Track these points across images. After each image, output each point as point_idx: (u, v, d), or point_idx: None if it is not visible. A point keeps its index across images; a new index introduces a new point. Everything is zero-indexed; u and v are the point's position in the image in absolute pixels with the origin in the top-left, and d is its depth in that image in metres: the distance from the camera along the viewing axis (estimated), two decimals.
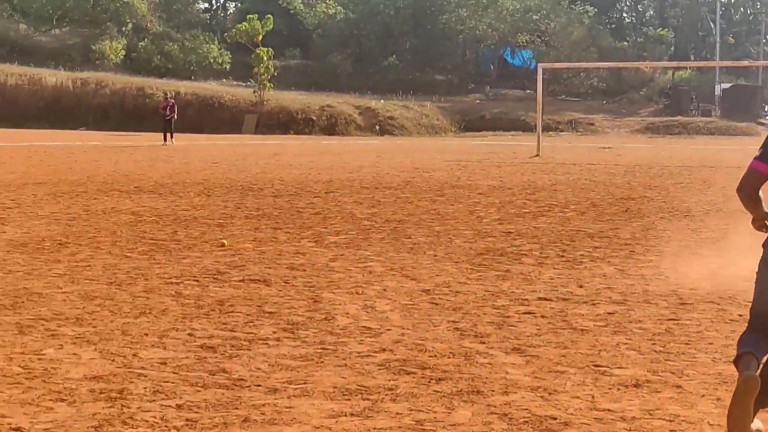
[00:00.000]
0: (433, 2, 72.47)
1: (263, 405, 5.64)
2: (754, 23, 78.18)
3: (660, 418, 5.55)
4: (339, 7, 75.01)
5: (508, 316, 8.24)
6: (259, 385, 6.04)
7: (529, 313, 8.41)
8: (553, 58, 62.10)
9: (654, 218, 15.63)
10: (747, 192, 5.38)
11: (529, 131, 47.78)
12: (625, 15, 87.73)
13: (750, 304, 5.83)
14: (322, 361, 6.65)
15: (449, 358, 6.82)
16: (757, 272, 5.59)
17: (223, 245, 12.22)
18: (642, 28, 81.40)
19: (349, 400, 5.77)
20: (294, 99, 62.97)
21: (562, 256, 11.67)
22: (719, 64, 62.36)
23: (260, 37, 62.46)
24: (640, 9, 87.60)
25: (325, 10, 74.90)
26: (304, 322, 7.88)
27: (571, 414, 5.59)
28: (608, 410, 5.67)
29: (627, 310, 8.56)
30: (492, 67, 75.37)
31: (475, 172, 25.97)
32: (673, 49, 76.92)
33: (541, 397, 5.91)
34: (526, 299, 9.02)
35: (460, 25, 70.38)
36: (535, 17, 69.76)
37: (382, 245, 12.48)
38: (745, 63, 62.72)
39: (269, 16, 63.03)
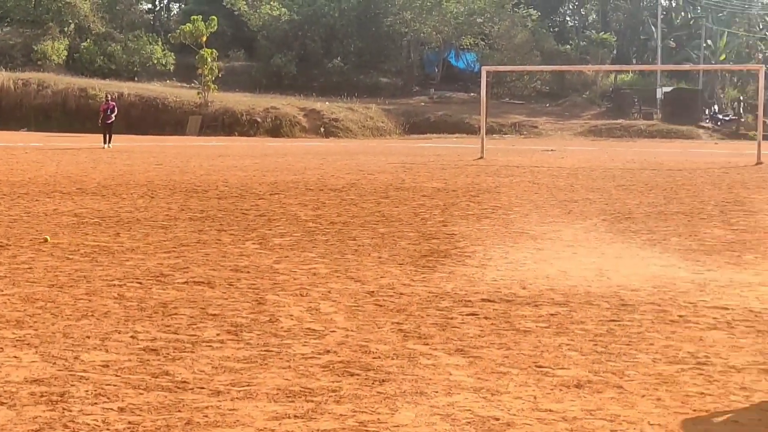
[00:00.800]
0: (377, 5, 72.54)
1: (206, 408, 5.62)
2: (694, 27, 79.07)
3: (601, 418, 5.61)
4: (283, 9, 74.74)
5: (451, 318, 8.28)
6: (202, 388, 6.02)
7: (473, 314, 8.45)
8: (497, 61, 62.40)
9: (596, 220, 15.76)
10: None
11: (473, 134, 48.03)
12: (568, 19, 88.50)
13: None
14: (265, 363, 6.64)
15: (393, 359, 6.84)
16: None
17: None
18: (585, 31, 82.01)
19: (292, 402, 5.77)
20: (238, 100, 62.68)
21: (506, 258, 11.74)
22: (661, 67, 63.09)
23: (204, 38, 62.08)
24: (583, 13, 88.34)
25: (269, 11, 74.60)
26: (248, 324, 7.86)
27: (514, 414, 5.63)
28: (550, 410, 5.72)
29: (569, 312, 8.63)
30: (436, 70, 75.60)
31: (420, 174, 26.04)
32: (615, 52, 77.55)
33: (484, 398, 5.95)
34: (470, 301, 9.07)
35: (405, 28, 70.48)
36: (479, 20, 70.04)
37: (327, 247, 12.48)
38: (686, 67, 63.55)
39: (213, 17, 62.67)
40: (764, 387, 6.32)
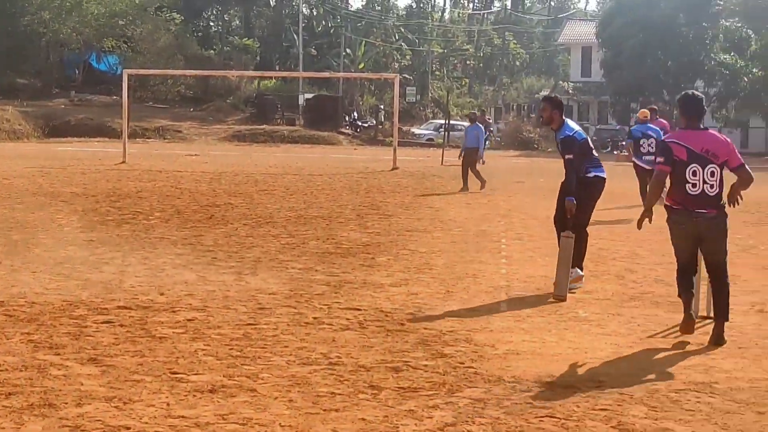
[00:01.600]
0: (14, 3, 69.51)
1: None
2: (335, 36, 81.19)
3: (234, 422, 5.66)
4: None
5: (85, 326, 8.09)
6: None
7: (108, 322, 8.29)
8: (140, 64, 61.39)
9: (237, 225, 15.86)
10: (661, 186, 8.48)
11: (116, 137, 46.98)
12: (212, 24, 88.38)
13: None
14: None
15: (21, 371, 6.59)
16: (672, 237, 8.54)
17: None
18: (228, 37, 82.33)
19: None
20: None
21: (145, 264, 11.60)
22: (302, 74, 64.25)
23: None
24: (227, 18, 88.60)
25: None
26: None
27: (146, 423, 5.58)
28: (183, 417, 5.71)
29: (207, 316, 8.65)
30: (77, 72, 73.39)
31: (58, 178, 25.20)
32: (258, 58, 78.30)
33: (116, 407, 5.85)
34: (106, 308, 8.89)
35: (43, 28, 67.94)
36: (121, 23, 68.57)
37: None
38: (326, 74, 65.11)
39: None
40: (391, 384, 6.60)
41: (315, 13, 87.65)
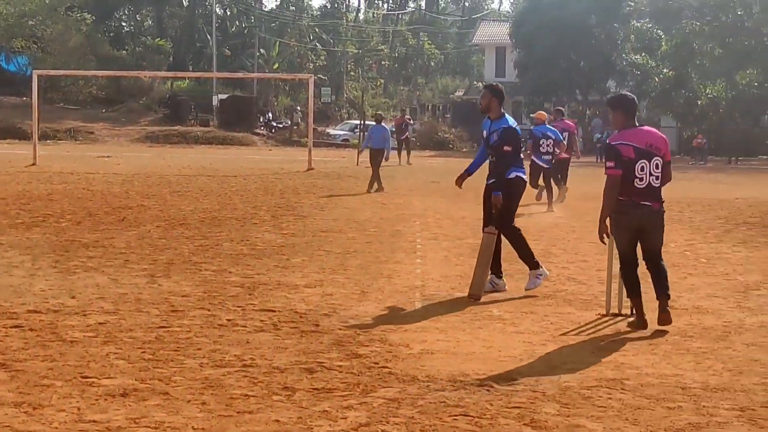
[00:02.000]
0: None
1: None
2: (249, 37, 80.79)
3: (146, 426, 5.60)
4: None
5: None
6: None
7: (18, 326, 8.15)
8: (51, 65, 60.47)
9: (150, 227, 15.70)
10: (616, 191, 8.61)
11: (26, 139, 46.28)
12: (123, 24, 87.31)
13: None
14: None
15: None
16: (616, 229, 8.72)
17: None
18: (141, 37, 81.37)
19: None
20: None
21: (56, 267, 11.43)
22: (216, 75, 63.89)
23: None
24: (139, 18, 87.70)
25: None
26: None
27: (56, 428, 5.50)
28: (94, 421, 5.64)
29: (119, 320, 8.55)
30: None
31: None
32: (172, 59, 77.62)
33: (25, 412, 5.75)
34: (15, 312, 8.74)
35: None
36: (30, 23, 67.49)
37: None
38: (240, 75, 64.82)
39: None
40: (306, 385, 6.58)
41: (228, 14, 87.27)
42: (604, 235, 8.83)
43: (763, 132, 55.35)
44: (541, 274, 10.52)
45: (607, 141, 9.11)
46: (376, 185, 24.20)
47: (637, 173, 8.57)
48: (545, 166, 20.02)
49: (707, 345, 8.09)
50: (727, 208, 20.62)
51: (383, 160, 25.06)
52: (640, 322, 8.69)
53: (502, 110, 10.74)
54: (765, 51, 53.29)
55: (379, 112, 30.29)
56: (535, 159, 20.19)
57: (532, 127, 21.14)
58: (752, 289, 10.99)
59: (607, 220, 8.80)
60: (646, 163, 8.61)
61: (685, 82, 55.03)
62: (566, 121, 22.73)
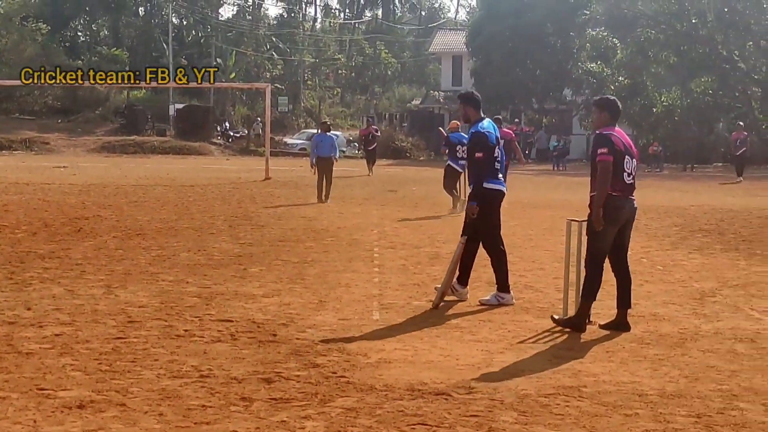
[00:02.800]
0: None
1: None
2: (205, 46, 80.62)
3: None
4: None
5: None
6: None
7: None
8: (6, 75, 60.00)
9: (106, 237, 15.60)
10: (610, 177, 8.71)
11: None
12: (79, 33, 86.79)
13: None
14: None
15: None
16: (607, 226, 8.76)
17: None
18: (96, 47, 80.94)
19: None
20: None
21: (11, 279, 11.32)
22: (173, 85, 63.65)
23: None
24: (95, 28, 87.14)
25: None
26: None
27: None
28: None
29: (75, 331, 8.49)
30: None
31: None
32: (128, 68, 77.39)
33: None
34: None
35: None
36: None
37: None
38: (196, 84, 64.65)
39: None
40: (263, 396, 6.57)
41: (185, 23, 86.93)
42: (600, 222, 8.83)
43: (717, 139, 55.82)
44: (504, 299, 10.28)
45: (597, 132, 9.16)
46: (322, 194, 24.08)
47: (625, 167, 8.84)
48: (459, 170, 21.26)
49: (664, 352, 8.17)
50: (682, 216, 20.80)
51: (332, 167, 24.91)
52: (581, 325, 8.88)
53: (480, 114, 10.52)
54: (719, 59, 53.78)
55: (326, 121, 30.21)
56: (451, 163, 21.81)
57: (448, 135, 22.44)
58: (708, 296, 11.10)
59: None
60: (629, 159, 8.91)
61: (641, 90, 55.40)
62: (505, 129, 23.59)
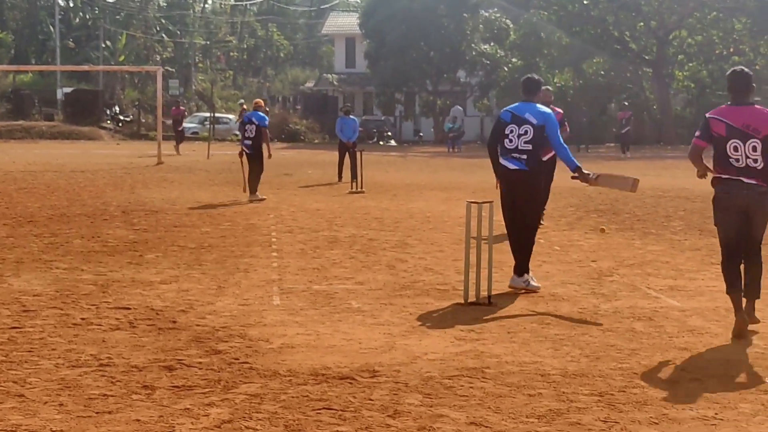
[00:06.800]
0: None
1: None
2: (93, 28, 79.16)
3: (2, 429, 5.44)
4: None
5: None
6: None
7: None
8: None
9: None
10: (693, 157, 8.47)
11: None
12: None
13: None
14: None
15: None
16: (716, 218, 8.41)
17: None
18: None
19: None
20: None
21: None
22: (60, 68, 62.31)
23: None
24: None
25: None
26: None
27: None
28: None
29: None
30: None
31: None
32: (13, 52, 75.61)
33: None
34: None
35: None
36: None
37: None
38: (85, 68, 63.21)
39: None
40: (165, 384, 6.47)
41: (72, 5, 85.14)
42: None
43: (609, 120, 56.72)
44: (527, 281, 10.12)
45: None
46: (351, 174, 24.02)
47: (730, 153, 8.13)
48: (248, 151, 20.76)
49: (564, 332, 8.26)
50: (577, 196, 21.09)
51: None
52: (737, 326, 8.14)
53: (526, 97, 10.68)
54: (611, 40, 54.70)
55: (348, 105, 30.54)
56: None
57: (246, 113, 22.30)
58: (605, 276, 11.27)
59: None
60: (740, 144, 8.11)
61: (534, 72, 56.04)
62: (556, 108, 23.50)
